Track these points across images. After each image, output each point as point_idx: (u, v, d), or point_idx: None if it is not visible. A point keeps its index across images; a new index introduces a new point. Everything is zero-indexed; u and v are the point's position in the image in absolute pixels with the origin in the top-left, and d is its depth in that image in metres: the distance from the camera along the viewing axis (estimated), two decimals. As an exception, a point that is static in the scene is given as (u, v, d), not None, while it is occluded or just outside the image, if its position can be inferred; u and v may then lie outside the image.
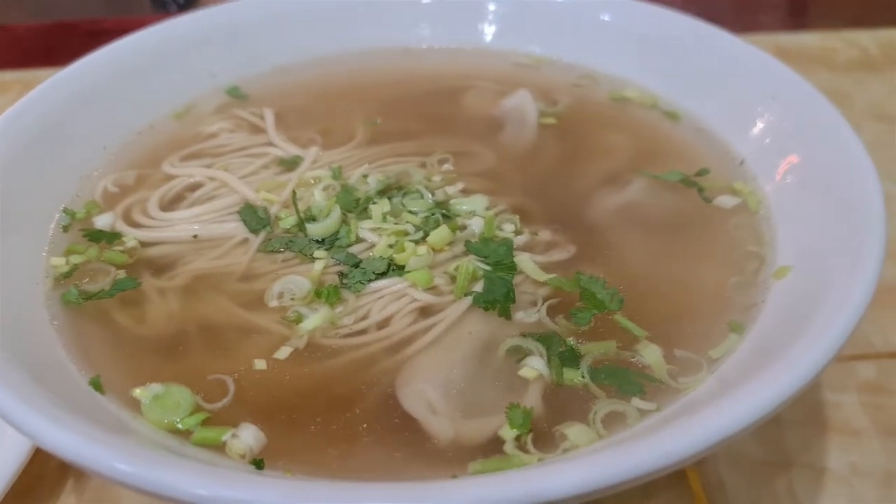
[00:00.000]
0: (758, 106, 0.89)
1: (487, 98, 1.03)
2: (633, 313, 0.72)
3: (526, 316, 0.72)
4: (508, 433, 0.62)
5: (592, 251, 0.79)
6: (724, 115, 0.93)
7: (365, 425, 0.64)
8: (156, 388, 0.66)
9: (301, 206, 0.84)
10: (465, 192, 0.86)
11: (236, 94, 1.05)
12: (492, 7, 1.12)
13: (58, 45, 1.68)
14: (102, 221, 0.84)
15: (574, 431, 0.61)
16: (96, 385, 0.66)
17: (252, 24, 1.08)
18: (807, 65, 1.45)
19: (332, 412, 0.65)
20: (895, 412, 0.82)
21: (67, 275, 0.78)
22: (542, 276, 0.75)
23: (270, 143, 0.95)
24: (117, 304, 0.76)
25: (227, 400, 0.66)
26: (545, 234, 0.81)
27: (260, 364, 0.69)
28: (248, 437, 0.62)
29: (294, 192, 0.83)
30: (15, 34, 1.75)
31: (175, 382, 0.67)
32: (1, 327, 0.65)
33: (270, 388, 0.67)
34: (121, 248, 0.81)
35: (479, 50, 1.12)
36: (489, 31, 1.12)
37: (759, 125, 0.88)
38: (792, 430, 0.80)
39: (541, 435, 0.62)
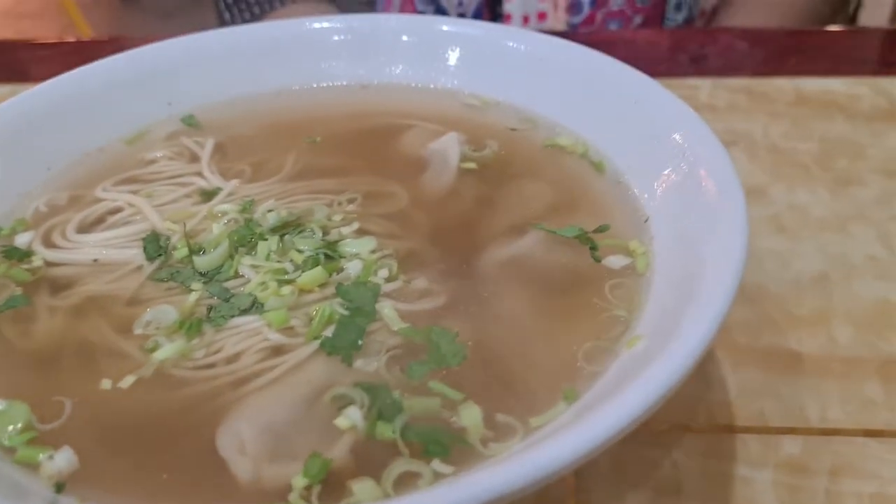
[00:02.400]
0: (669, 163, 0.86)
1: (423, 139, 1.04)
2: (472, 372, 0.71)
3: (366, 364, 0.72)
4: (299, 482, 0.62)
5: (462, 303, 0.79)
6: (644, 168, 0.90)
7: (178, 459, 0.66)
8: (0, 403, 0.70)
9: (203, 238, 0.87)
10: (362, 233, 0.87)
11: (191, 123, 1.10)
12: (454, 47, 1.13)
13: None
14: (21, 240, 0.90)
15: (361, 487, 0.61)
16: (-51, 395, 0.71)
17: (213, 54, 1.12)
18: (824, 111, 1.38)
19: (154, 444, 0.68)
20: (811, 496, 0.77)
21: (-29, 288, 0.84)
22: (396, 325, 0.75)
23: (200, 174, 0.99)
24: (10, 319, 0.81)
25: (59, 422, 0.69)
26: (420, 282, 0.81)
27: (103, 389, 0.72)
28: (61, 460, 0.65)
29: (184, 224, 0.86)
30: (66, 49, 1.87)
31: (21, 399, 0.71)
32: None
33: (104, 415, 0.70)
34: (27, 266, 0.87)
35: (433, 90, 1.13)
36: (443, 70, 1.13)
37: (665, 183, 0.85)
38: (690, 504, 0.77)
39: (332, 487, 0.62)
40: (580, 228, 0.86)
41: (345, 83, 1.15)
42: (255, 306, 0.78)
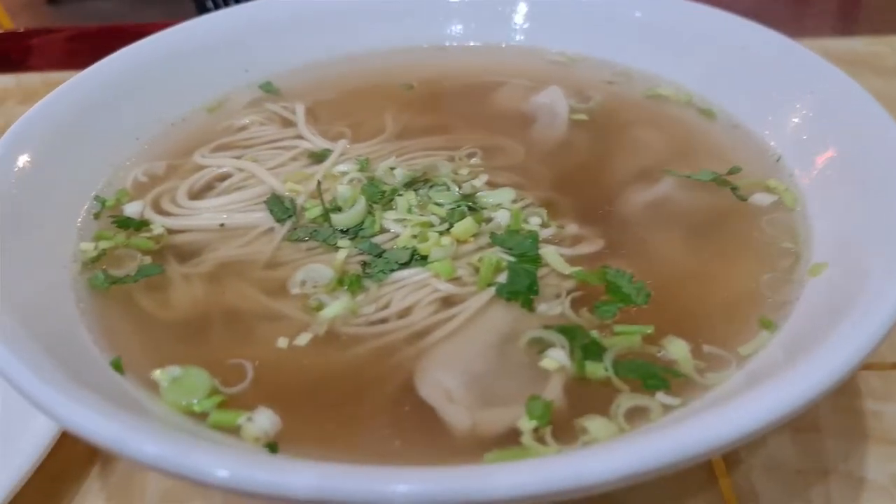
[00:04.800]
0: (795, 101, 0.86)
1: (519, 94, 1.02)
2: (660, 308, 0.70)
3: (549, 308, 0.70)
4: (526, 424, 0.60)
5: (620, 246, 0.78)
6: (760, 111, 0.91)
7: (381, 413, 0.63)
8: (174, 370, 0.66)
9: (327, 198, 0.84)
10: (492, 186, 0.85)
11: (269, 90, 1.06)
12: (525, 5, 1.11)
13: (106, 47, 1.73)
14: (132, 209, 0.85)
15: (595, 425, 0.60)
16: (117, 366, 0.66)
17: (286, 20, 1.09)
18: (852, 69, 1.40)
19: (349, 399, 0.65)
20: (944, 423, 0.79)
21: (95, 259, 0.78)
22: (567, 269, 0.74)
23: (300, 137, 0.96)
24: (142, 289, 0.76)
25: (244, 384, 0.65)
26: (572, 228, 0.79)
27: (279, 349, 0.68)
28: (263, 420, 0.61)
29: (319, 183, 0.83)
30: (62, 36, 1.79)
31: (194, 365, 0.66)
32: (24, 306, 0.65)
33: (288, 374, 0.67)
34: (148, 234, 0.82)
35: (512, 48, 1.12)
36: (523, 28, 1.11)
37: (796, 120, 0.86)
38: (831, 439, 0.77)
39: (560, 427, 0.60)
40: (713, 172, 0.86)
41: (423, 45, 1.12)
42: (413, 259, 0.75)
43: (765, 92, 0.91)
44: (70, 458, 0.75)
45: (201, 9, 2.30)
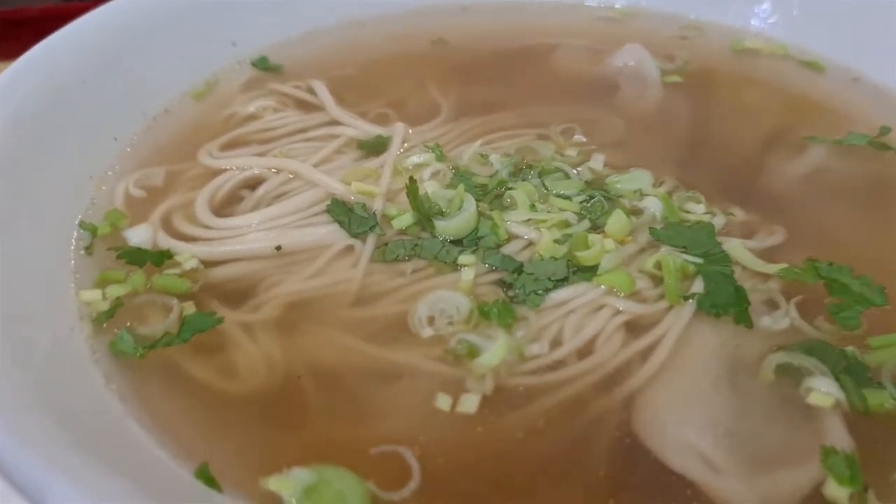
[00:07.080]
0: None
1: (582, 57, 0.85)
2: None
3: (773, 322, 0.53)
4: (838, 491, 0.43)
5: (801, 231, 0.62)
6: (882, 61, 0.78)
7: (621, 496, 0.44)
8: (301, 474, 0.44)
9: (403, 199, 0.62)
10: (612, 168, 0.67)
11: (265, 66, 0.82)
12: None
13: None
14: (138, 236, 0.60)
15: (928, 480, 0.44)
16: (206, 478, 0.44)
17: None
18: None
19: (567, 482, 0.45)
20: None
21: (109, 314, 0.54)
22: (770, 268, 0.57)
23: (335, 122, 0.73)
24: (188, 352, 0.53)
25: (413, 483, 0.44)
26: (739, 214, 0.63)
27: (438, 420, 0.48)
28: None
29: (412, 180, 0.61)
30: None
31: (321, 463, 0.45)
32: (54, 405, 0.41)
33: (466, 458, 0.46)
34: (176, 270, 0.58)
35: (546, 4, 0.94)
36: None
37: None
38: None
39: (878, 487, 0.44)
40: (864, 135, 0.72)
41: (438, 5, 0.92)
42: (570, 272, 0.56)
43: (882, 39, 0.78)
44: None
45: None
